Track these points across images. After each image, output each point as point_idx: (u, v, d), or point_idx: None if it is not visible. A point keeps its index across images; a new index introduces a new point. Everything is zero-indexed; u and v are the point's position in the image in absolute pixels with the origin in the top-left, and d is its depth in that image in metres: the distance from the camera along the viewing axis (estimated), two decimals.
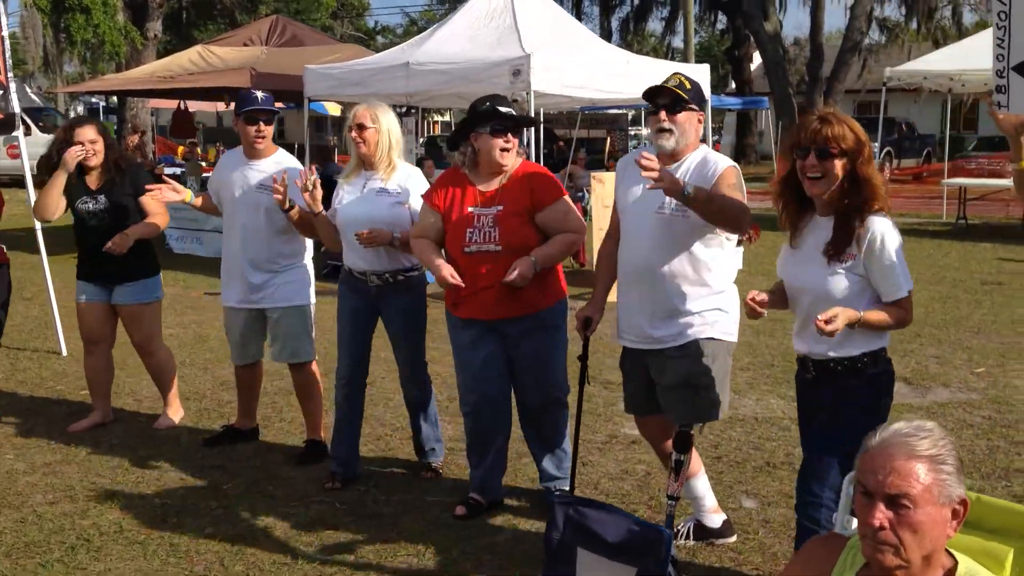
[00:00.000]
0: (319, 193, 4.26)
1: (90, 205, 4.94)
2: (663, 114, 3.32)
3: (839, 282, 2.86)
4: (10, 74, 6.90)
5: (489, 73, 8.88)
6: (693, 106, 3.34)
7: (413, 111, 36.43)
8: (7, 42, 6.82)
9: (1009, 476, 4.43)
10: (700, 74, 10.62)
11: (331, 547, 3.79)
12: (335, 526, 3.98)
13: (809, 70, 32.27)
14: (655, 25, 38.07)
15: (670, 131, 3.33)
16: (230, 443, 4.96)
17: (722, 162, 3.38)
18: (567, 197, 3.90)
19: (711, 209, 3.18)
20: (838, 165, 2.84)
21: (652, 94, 3.38)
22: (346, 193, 4.32)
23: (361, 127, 4.19)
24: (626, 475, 4.51)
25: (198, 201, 4.85)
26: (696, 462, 3.64)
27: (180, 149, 18.00)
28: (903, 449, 1.68)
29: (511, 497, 4.23)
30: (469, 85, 9.34)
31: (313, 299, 4.80)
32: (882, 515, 1.67)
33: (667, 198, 3.27)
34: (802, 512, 2.93)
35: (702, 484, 3.67)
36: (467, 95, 11.32)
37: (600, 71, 9.45)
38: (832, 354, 2.91)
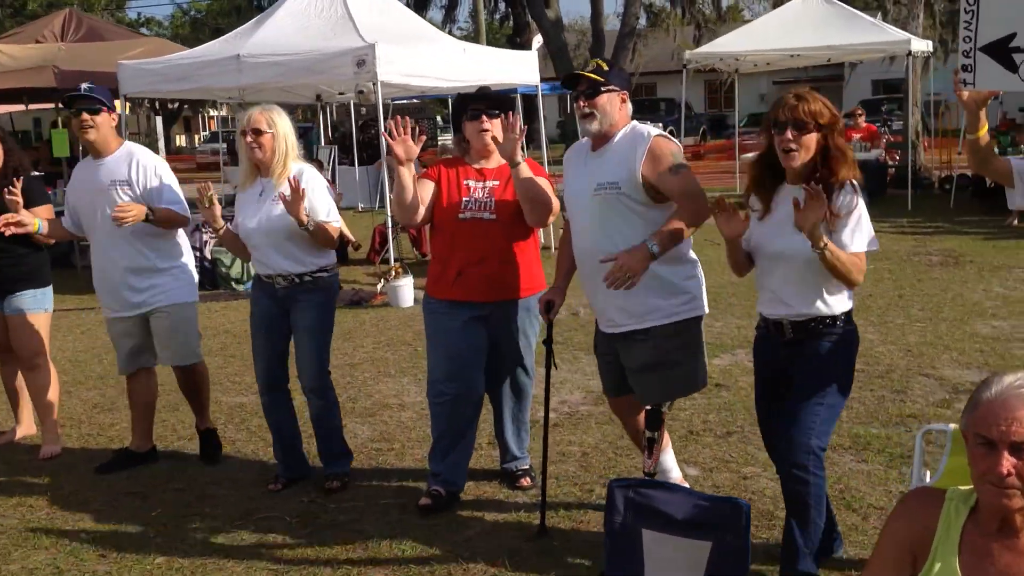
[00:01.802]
0: (218, 209, 4.14)
1: None
2: (582, 100, 3.41)
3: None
4: None
5: (331, 64, 8.66)
6: (613, 87, 3.43)
7: (185, 106, 34.77)
8: None
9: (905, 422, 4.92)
10: (528, 61, 10.88)
11: (301, 563, 3.61)
12: (295, 542, 3.80)
13: (592, 55, 33.61)
14: (435, 14, 38.45)
15: (592, 115, 3.42)
16: (128, 467, 4.63)
17: (649, 134, 3.42)
18: (544, 178, 3.90)
19: (676, 241, 3.32)
20: (814, 139, 3.03)
21: (571, 82, 3.47)
22: (244, 203, 4.18)
23: (257, 131, 4.03)
24: (564, 457, 4.60)
25: (46, 229, 4.52)
26: (664, 437, 3.78)
27: None
28: (1022, 400, 1.87)
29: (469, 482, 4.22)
30: (311, 76, 9.10)
31: (196, 298, 4.62)
32: (1008, 462, 1.85)
33: (601, 179, 3.40)
34: (793, 465, 3.02)
35: (669, 458, 3.81)
36: (309, 87, 11.08)
37: (439, 60, 9.44)
38: (815, 312, 3.08)
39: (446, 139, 28.29)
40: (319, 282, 4.17)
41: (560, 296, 3.72)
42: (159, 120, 32.80)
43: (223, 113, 47.48)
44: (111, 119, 4.38)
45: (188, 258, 4.60)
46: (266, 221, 4.07)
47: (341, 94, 11.79)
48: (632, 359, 3.51)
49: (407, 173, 3.76)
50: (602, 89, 3.39)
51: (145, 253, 4.41)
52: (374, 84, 8.51)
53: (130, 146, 4.46)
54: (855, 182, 3.06)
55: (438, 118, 27.23)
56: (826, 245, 2.90)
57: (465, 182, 3.90)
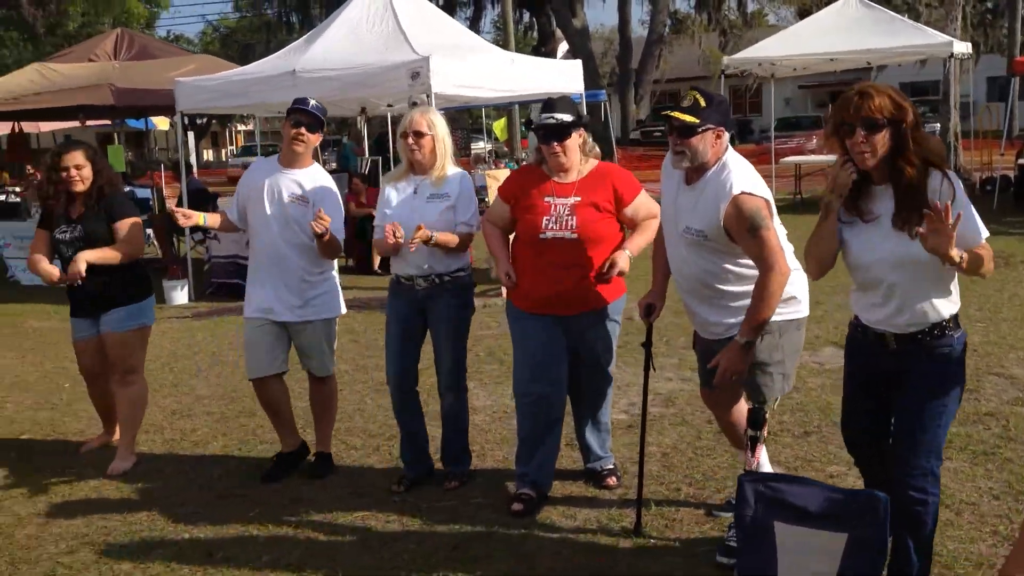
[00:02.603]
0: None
1: (66, 235, 4.65)
2: (675, 137, 3.44)
3: (918, 246, 2.85)
4: None
5: (386, 77, 8.81)
6: (708, 126, 3.40)
7: (214, 121, 35.14)
8: None
9: None
10: (573, 70, 11.01)
11: (398, 563, 3.71)
12: (393, 542, 3.90)
13: (620, 63, 33.78)
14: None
15: (683, 153, 3.46)
16: (291, 469, 4.71)
17: (731, 187, 3.36)
18: (642, 190, 4.04)
19: (764, 322, 3.37)
20: (885, 135, 2.89)
21: (666, 120, 3.49)
22: (394, 197, 4.29)
23: (419, 134, 4.17)
24: (645, 458, 4.65)
25: (214, 220, 4.63)
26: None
27: (4, 175, 16.60)
28: None
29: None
30: (366, 90, 9.25)
31: (343, 310, 4.72)
32: None
33: (689, 224, 3.46)
34: (913, 488, 2.96)
35: (765, 457, 3.89)
36: (363, 100, 11.25)
37: (489, 71, 9.57)
38: (924, 322, 2.98)
39: (479, 147, 28.51)
40: (457, 281, 4.27)
41: (660, 299, 3.80)
42: (191, 135, 33.29)
43: (250, 128, 48.06)
44: (318, 138, 4.48)
45: (336, 270, 4.69)
46: (419, 218, 4.12)
47: (389, 106, 11.93)
48: None
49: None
50: (698, 130, 3.37)
51: (304, 265, 4.48)
52: (428, 96, 8.64)
53: (317, 168, 4.56)
54: (947, 171, 2.93)
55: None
56: (962, 259, 2.77)
57: (545, 199, 3.95)
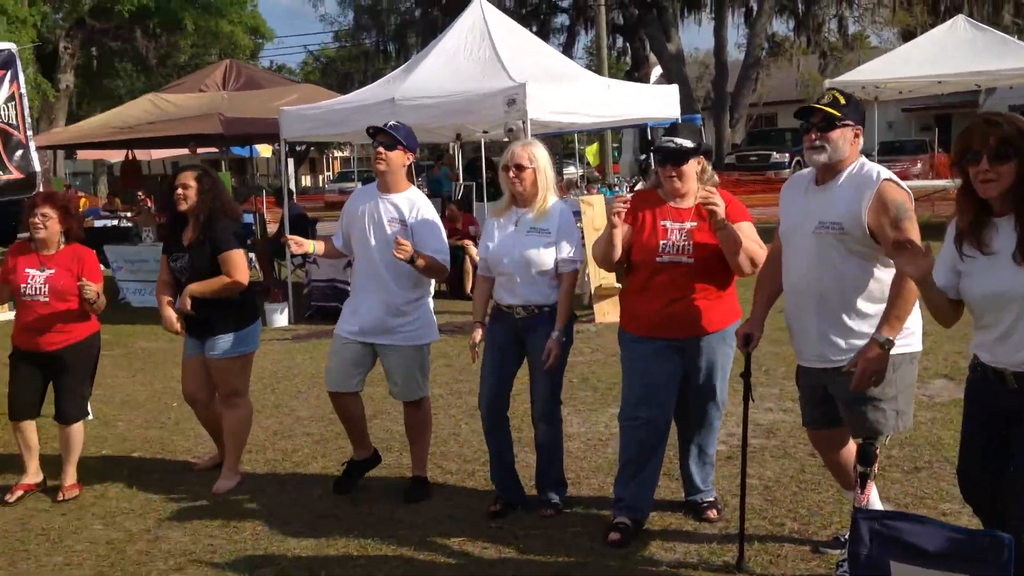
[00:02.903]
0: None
1: (177, 262, 4.83)
2: (814, 133, 3.41)
3: None
4: (29, 132, 6.63)
5: (482, 104, 8.92)
6: (848, 122, 3.41)
7: (312, 148, 36.14)
8: (25, 99, 6.56)
9: None
10: (669, 95, 10.94)
11: None
12: (490, 569, 3.90)
13: (715, 87, 33.45)
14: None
15: (822, 147, 3.40)
16: (360, 476, 4.84)
17: (878, 175, 3.39)
18: (751, 223, 3.97)
19: (904, 316, 3.30)
20: (1011, 165, 2.82)
21: (805, 113, 3.48)
22: (497, 230, 4.34)
23: (519, 167, 4.22)
24: (746, 490, 4.56)
25: (321, 248, 4.75)
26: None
27: (117, 200, 17.40)
28: None
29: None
30: (462, 117, 9.39)
31: (436, 338, 4.76)
32: None
33: (824, 217, 3.40)
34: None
35: (875, 494, 3.75)
36: (459, 127, 11.44)
37: (585, 97, 9.60)
38: None
39: (570, 172, 28.63)
40: (556, 313, 4.25)
41: (759, 329, 3.72)
42: (290, 162, 34.32)
43: (346, 154, 49.26)
44: (404, 158, 4.56)
45: (431, 296, 4.75)
46: (519, 253, 4.20)
47: (484, 132, 12.08)
48: (839, 391, 3.47)
49: (619, 235, 3.92)
50: (837, 124, 3.37)
51: (400, 290, 4.54)
52: (523, 122, 8.71)
53: (415, 192, 4.65)
54: None
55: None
56: None
57: (662, 223, 3.94)
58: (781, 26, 34.91)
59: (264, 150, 21.94)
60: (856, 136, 3.45)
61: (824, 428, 3.66)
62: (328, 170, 53.54)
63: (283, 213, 11.30)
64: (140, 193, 15.64)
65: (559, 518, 4.36)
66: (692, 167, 3.93)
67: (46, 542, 4.37)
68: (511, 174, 4.23)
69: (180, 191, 4.76)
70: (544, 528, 4.25)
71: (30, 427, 5.00)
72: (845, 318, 3.44)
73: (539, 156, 4.26)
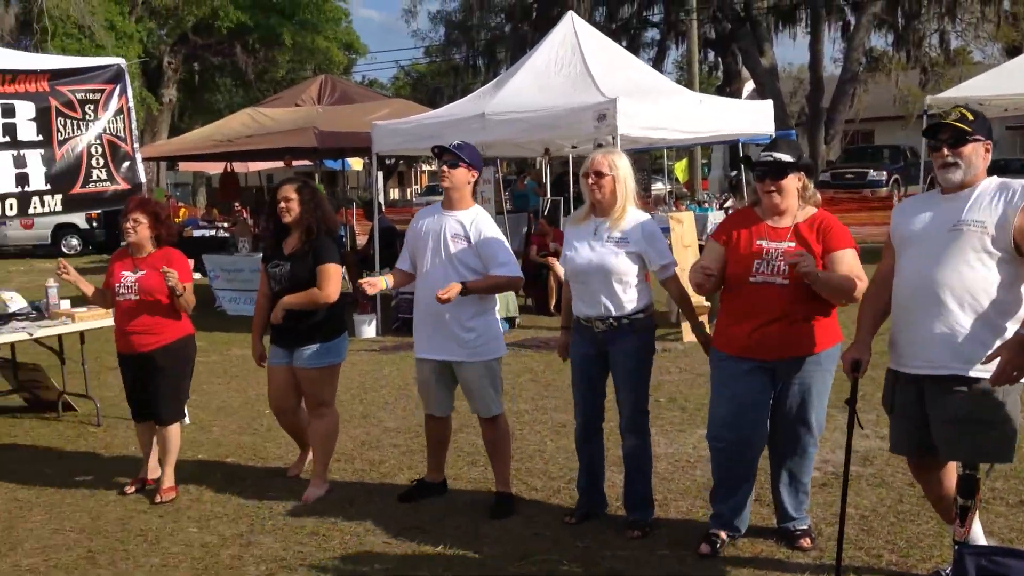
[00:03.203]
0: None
1: (277, 270, 4.93)
2: (945, 149, 3.31)
3: None
4: (136, 144, 6.89)
5: (572, 119, 8.89)
6: (979, 136, 3.32)
7: (401, 161, 36.69)
8: (133, 112, 6.82)
9: None
10: (763, 111, 10.75)
11: None
12: None
13: (810, 102, 32.73)
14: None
15: (955, 164, 3.32)
16: (422, 497, 4.89)
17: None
18: (852, 249, 3.84)
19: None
20: None
21: (933, 131, 3.37)
22: (575, 239, 4.33)
23: (599, 174, 4.20)
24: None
25: (392, 281, 4.81)
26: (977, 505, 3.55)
27: (215, 211, 17.98)
28: None
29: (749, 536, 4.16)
30: (552, 132, 9.39)
31: (503, 352, 4.76)
32: None
33: (965, 216, 3.29)
34: None
35: (978, 527, 3.59)
36: (547, 142, 11.47)
37: (676, 112, 9.49)
38: None
39: (658, 188, 28.34)
40: (636, 324, 4.24)
41: (867, 353, 3.57)
42: (379, 175, 34.91)
43: (434, 168, 49.82)
44: (469, 175, 4.61)
45: (497, 311, 4.79)
46: (598, 262, 4.20)
47: (573, 147, 12.07)
48: (944, 409, 3.33)
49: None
50: (968, 139, 3.29)
51: (465, 306, 4.56)
52: (613, 137, 8.66)
53: (478, 209, 4.68)
54: None
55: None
56: None
57: (758, 241, 3.86)
58: (879, 40, 34.03)
59: (355, 163, 22.43)
60: (987, 151, 3.36)
61: (928, 455, 3.50)
62: (416, 183, 54.28)
63: (373, 225, 11.48)
64: (237, 204, 16.10)
65: (646, 540, 4.29)
66: (792, 183, 3.85)
67: (144, 543, 4.51)
68: (590, 180, 4.22)
69: (283, 204, 4.86)
70: (631, 549, 4.19)
71: (149, 427, 5.21)
72: (968, 321, 3.27)
73: (619, 164, 4.22)
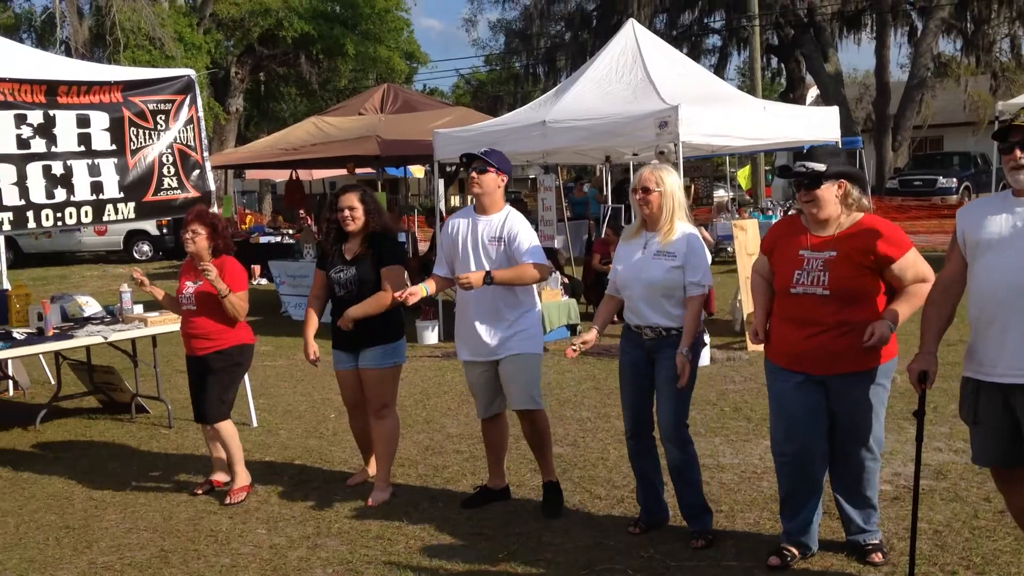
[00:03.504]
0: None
1: (341, 275, 5.00)
2: (1018, 151, 3.23)
3: None
4: (206, 153, 7.05)
5: (633, 126, 8.86)
6: None
7: (462, 168, 37.05)
8: (202, 122, 6.98)
9: None
10: (829, 117, 10.59)
11: None
12: None
13: (876, 108, 32.11)
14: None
15: None
16: (487, 503, 4.92)
17: None
18: (911, 253, 3.77)
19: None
20: None
21: (1004, 134, 3.29)
22: (625, 253, 4.38)
23: (646, 190, 4.24)
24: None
25: (432, 287, 4.85)
26: None
27: (280, 218, 18.30)
28: None
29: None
30: (613, 139, 9.38)
31: (540, 349, 4.83)
32: None
33: None
34: None
35: None
36: (608, 149, 11.47)
37: (740, 119, 9.41)
38: None
39: (720, 196, 28.08)
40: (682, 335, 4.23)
41: (933, 364, 3.47)
42: (441, 182, 35.20)
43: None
44: (498, 180, 4.71)
45: (537, 311, 4.85)
46: (645, 275, 4.24)
47: (634, 154, 12.03)
48: None
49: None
50: None
51: (502, 305, 4.68)
52: (675, 144, 8.61)
53: (509, 209, 4.78)
54: None
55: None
56: None
57: (800, 252, 3.81)
58: (948, 45, 33.28)
59: (416, 170, 22.63)
60: None
61: (1016, 465, 3.39)
62: None
63: (434, 232, 11.56)
64: (301, 211, 16.34)
65: (713, 550, 4.25)
66: (829, 192, 3.78)
67: (215, 543, 4.60)
68: (638, 196, 4.27)
69: (347, 213, 4.95)
70: (697, 560, 4.15)
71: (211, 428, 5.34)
72: None
73: (667, 180, 4.25)
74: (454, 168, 34.47)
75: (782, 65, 34.75)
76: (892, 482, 4.98)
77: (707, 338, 8.39)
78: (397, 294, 4.64)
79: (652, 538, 4.41)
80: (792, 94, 33.46)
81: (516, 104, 35.80)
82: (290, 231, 16.07)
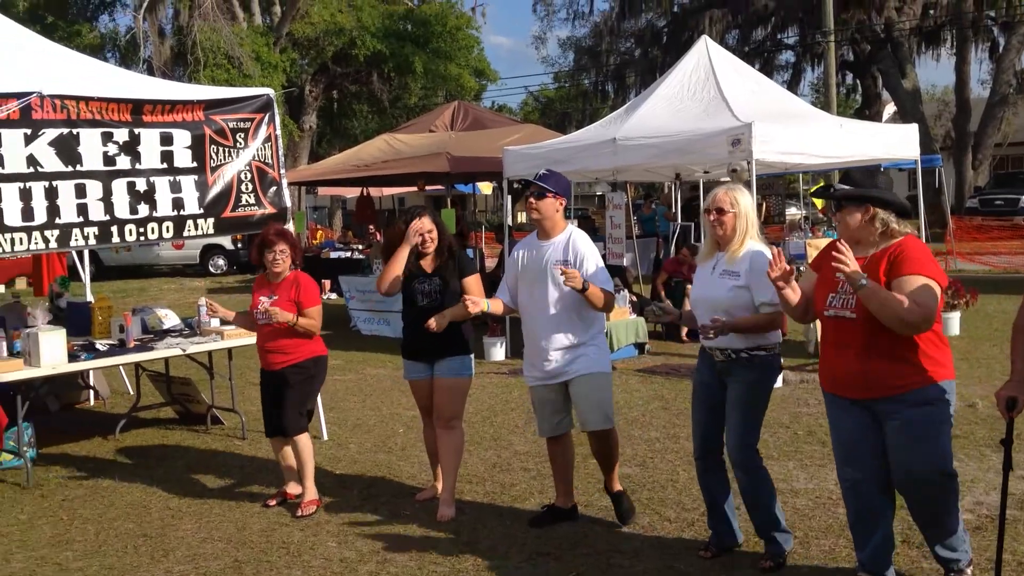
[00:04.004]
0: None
1: (425, 285, 5.12)
2: None
3: None
4: (283, 170, 7.19)
5: (705, 144, 8.78)
6: None
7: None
8: (279, 140, 7.14)
9: None
10: (908, 135, 10.35)
11: None
12: None
13: (956, 126, 31.32)
14: None
15: None
16: (556, 522, 4.90)
17: None
18: (927, 278, 3.52)
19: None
20: None
21: None
22: (698, 274, 4.42)
23: (720, 211, 4.21)
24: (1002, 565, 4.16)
25: (496, 307, 4.91)
26: None
27: (349, 233, 18.60)
28: None
29: None
30: (683, 156, 9.30)
31: (609, 368, 4.82)
32: None
33: None
34: None
35: None
36: (678, 166, 11.39)
37: (815, 136, 9.25)
38: None
39: (792, 213, 27.63)
40: (755, 359, 4.18)
41: (1022, 390, 3.37)
42: (509, 198, 35.35)
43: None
44: (556, 204, 4.75)
45: (604, 328, 4.87)
46: (710, 294, 4.23)
47: (706, 172, 11.92)
48: None
49: (788, 293, 3.88)
50: None
51: (570, 328, 4.69)
52: (748, 162, 8.51)
53: (572, 229, 4.81)
54: None
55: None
56: None
57: (837, 274, 3.66)
58: None
59: (485, 187, 22.77)
60: None
61: None
62: None
63: (503, 248, 11.61)
64: (371, 227, 16.56)
65: (784, 572, 4.15)
66: (851, 215, 3.66)
67: (286, 555, 4.66)
68: (712, 217, 4.23)
69: (428, 235, 5.12)
70: None
71: (279, 441, 5.44)
72: None
73: (741, 201, 4.21)
74: (520, 185, 34.75)
75: (857, 81, 34.16)
76: (974, 511, 4.82)
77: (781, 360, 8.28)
78: (466, 298, 4.72)
79: (724, 563, 4.34)
80: (868, 111, 32.80)
81: (585, 121, 35.82)
82: (359, 246, 16.31)
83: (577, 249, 4.70)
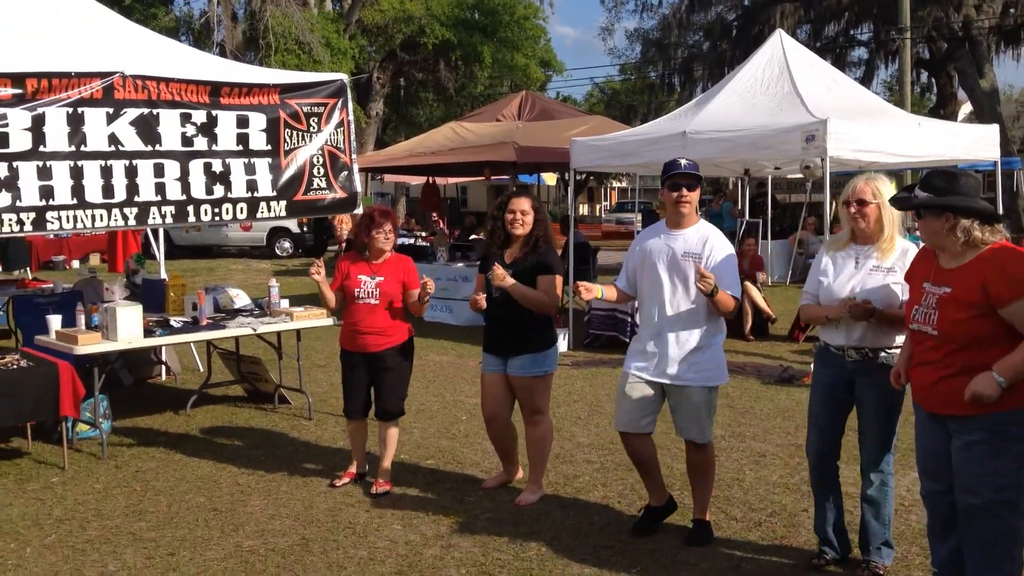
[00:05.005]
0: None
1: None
2: None
3: None
4: (354, 156, 7.27)
5: (778, 140, 8.62)
6: None
7: (591, 177, 36.53)
8: (352, 125, 7.20)
9: None
10: (989, 135, 10.05)
11: None
12: None
13: None
14: None
15: None
16: (657, 522, 4.75)
17: None
18: None
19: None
20: None
21: None
22: (834, 265, 4.16)
23: (862, 202, 4.02)
24: None
25: (611, 294, 4.74)
26: None
27: (412, 221, 18.74)
28: None
29: None
30: (754, 152, 9.17)
31: (726, 380, 4.60)
32: None
33: None
34: None
35: None
36: (749, 162, 11.24)
37: (891, 135, 9.02)
38: None
39: None
40: (892, 358, 4.00)
41: None
42: (570, 190, 35.23)
43: (623, 184, 49.77)
44: (696, 194, 4.56)
45: (723, 338, 4.60)
46: (860, 290, 3.99)
47: (777, 168, 11.73)
48: None
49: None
50: None
51: (695, 328, 4.45)
52: (822, 159, 8.35)
53: (705, 224, 4.59)
54: None
55: None
56: None
57: (923, 285, 3.60)
58: None
59: (549, 178, 22.76)
60: None
61: None
62: (605, 200, 54.37)
63: (567, 240, 11.57)
64: (434, 215, 16.63)
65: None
66: (930, 224, 3.48)
67: (352, 535, 4.72)
68: (852, 209, 4.02)
69: (519, 215, 4.98)
70: None
71: (363, 425, 5.51)
72: None
73: (884, 191, 4.00)
74: (584, 177, 34.49)
75: (932, 80, 33.28)
76: None
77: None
78: (579, 284, 4.54)
79: (794, 566, 4.26)
80: (943, 110, 31.90)
81: (650, 114, 35.50)
82: (423, 233, 16.40)
83: (712, 248, 4.45)
